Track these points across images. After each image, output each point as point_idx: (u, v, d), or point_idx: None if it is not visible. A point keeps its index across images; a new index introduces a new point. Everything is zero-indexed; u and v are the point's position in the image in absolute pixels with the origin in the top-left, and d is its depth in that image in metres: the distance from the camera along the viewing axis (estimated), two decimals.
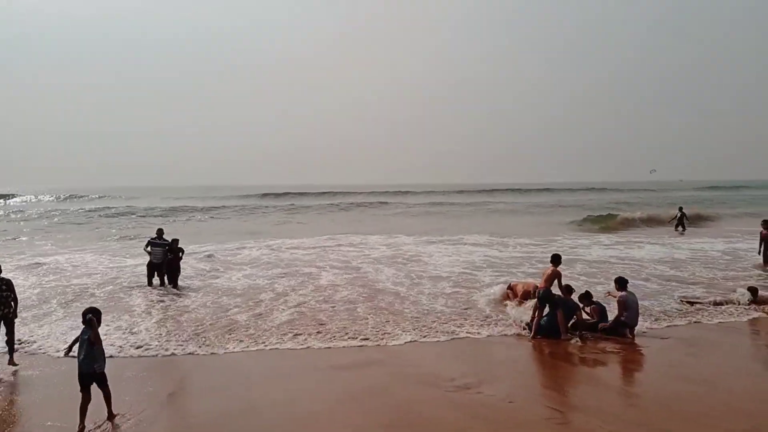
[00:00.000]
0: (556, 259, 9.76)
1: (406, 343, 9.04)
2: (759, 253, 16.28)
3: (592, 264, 16.24)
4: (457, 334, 9.44)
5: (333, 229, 29.71)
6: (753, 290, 11.22)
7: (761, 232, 16.30)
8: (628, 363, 8.11)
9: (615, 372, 7.86)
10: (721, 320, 10.17)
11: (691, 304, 11.14)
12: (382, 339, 9.22)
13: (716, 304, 11.03)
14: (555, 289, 9.54)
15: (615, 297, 9.52)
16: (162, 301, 12.16)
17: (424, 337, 9.34)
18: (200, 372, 7.86)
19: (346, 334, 9.52)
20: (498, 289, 11.83)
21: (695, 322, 10.07)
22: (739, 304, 10.94)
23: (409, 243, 22.43)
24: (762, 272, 14.98)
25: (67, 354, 6.66)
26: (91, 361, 6.03)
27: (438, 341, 9.14)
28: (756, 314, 10.46)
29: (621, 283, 9.55)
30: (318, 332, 9.59)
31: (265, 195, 72.59)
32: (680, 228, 27.35)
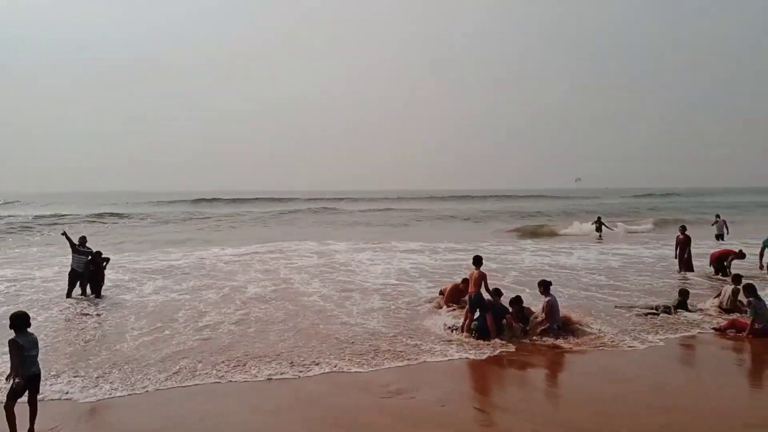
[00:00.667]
0: (478, 261, 9.91)
1: (323, 374, 7.72)
2: (675, 257, 16.84)
3: (528, 272, 16.24)
4: (381, 365, 8.08)
5: (267, 236, 29.06)
6: (683, 292, 11.37)
7: (678, 237, 16.64)
8: (557, 365, 8.23)
9: (545, 374, 7.97)
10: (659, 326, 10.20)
11: (628, 309, 11.20)
12: (299, 370, 7.83)
13: (658, 308, 11.05)
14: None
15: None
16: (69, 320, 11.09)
17: (345, 368, 7.97)
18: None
19: (258, 361, 8.14)
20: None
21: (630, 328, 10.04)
22: (675, 312, 10.96)
23: (343, 251, 22.19)
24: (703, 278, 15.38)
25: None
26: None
27: (359, 372, 7.84)
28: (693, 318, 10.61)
29: (544, 286, 9.76)
30: (223, 362, 8.13)
31: (197, 201, 70.91)
32: (599, 234, 29.13)
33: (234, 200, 72.26)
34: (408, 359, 8.26)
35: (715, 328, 9.88)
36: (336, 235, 30.31)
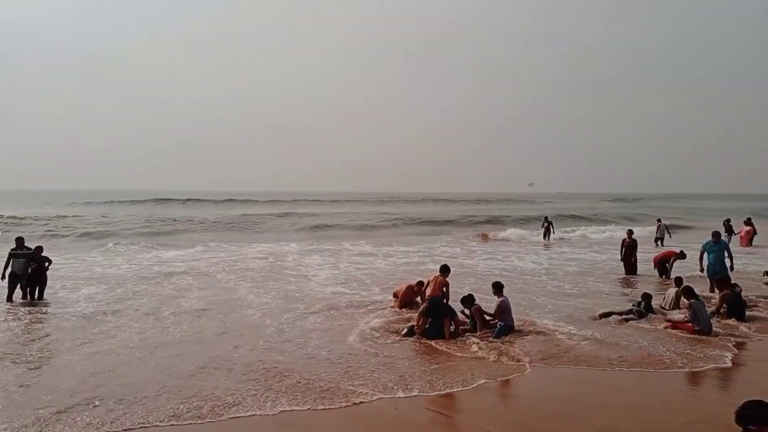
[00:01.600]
0: (445, 269, 10.49)
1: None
2: (621, 260, 17.30)
3: (486, 278, 15.80)
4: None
5: (212, 238, 28.03)
6: (646, 296, 11.51)
7: (624, 240, 17.04)
8: (509, 367, 8.17)
9: (495, 377, 7.82)
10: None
11: (606, 316, 11.04)
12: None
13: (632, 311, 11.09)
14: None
15: None
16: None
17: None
18: None
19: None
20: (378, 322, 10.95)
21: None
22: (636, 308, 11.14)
23: (293, 253, 21.65)
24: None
25: None
26: None
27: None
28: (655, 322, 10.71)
29: (497, 287, 10.15)
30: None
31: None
32: (547, 238, 29.74)
33: (188, 200, 70.03)
34: (346, 399, 6.72)
35: (669, 327, 10.13)
36: (288, 237, 29.82)
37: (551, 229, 30.08)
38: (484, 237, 31.40)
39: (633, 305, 11.31)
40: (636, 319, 10.68)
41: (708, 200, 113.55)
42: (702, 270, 13.33)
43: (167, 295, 13.35)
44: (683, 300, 11.28)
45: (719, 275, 12.49)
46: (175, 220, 39.11)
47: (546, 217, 31.50)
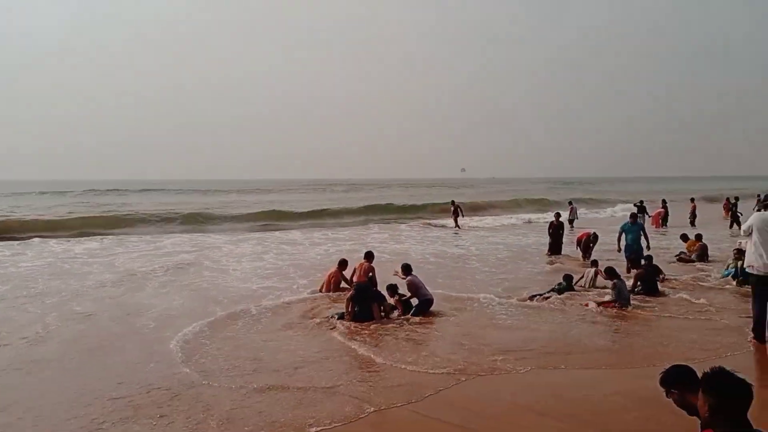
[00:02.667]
0: (369, 256, 10.86)
1: None
2: (549, 241, 17.99)
3: (422, 264, 15.90)
4: None
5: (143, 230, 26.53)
6: (568, 277, 12.00)
7: (551, 223, 17.74)
8: (430, 346, 8.35)
9: (419, 347, 7.99)
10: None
11: (532, 298, 11.40)
12: None
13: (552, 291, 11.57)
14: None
15: None
16: None
17: None
18: None
19: None
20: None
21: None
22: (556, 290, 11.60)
23: (217, 243, 20.93)
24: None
25: None
26: None
27: None
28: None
29: (406, 269, 10.49)
30: None
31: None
32: (456, 222, 29.47)
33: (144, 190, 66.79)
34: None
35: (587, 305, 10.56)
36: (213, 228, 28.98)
37: (459, 213, 29.63)
38: (426, 224, 31.31)
39: (556, 285, 11.79)
40: (558, 296, 11.21)
41: (644, 183, 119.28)
42: (619, 250, 13.95)
43: (54, 292, 12.17)
44: (599, 279, 12.04)
45: (635, 255, 13.13)
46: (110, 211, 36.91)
47: (453, 201, 31.07)
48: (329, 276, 12.15)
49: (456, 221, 29.25)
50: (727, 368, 3.09)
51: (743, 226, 8.02)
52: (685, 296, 11.11)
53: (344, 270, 12.21)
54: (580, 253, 16.60)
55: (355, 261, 12.39)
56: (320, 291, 11.96)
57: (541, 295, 11.35)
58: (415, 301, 10.25)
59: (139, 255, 18.60)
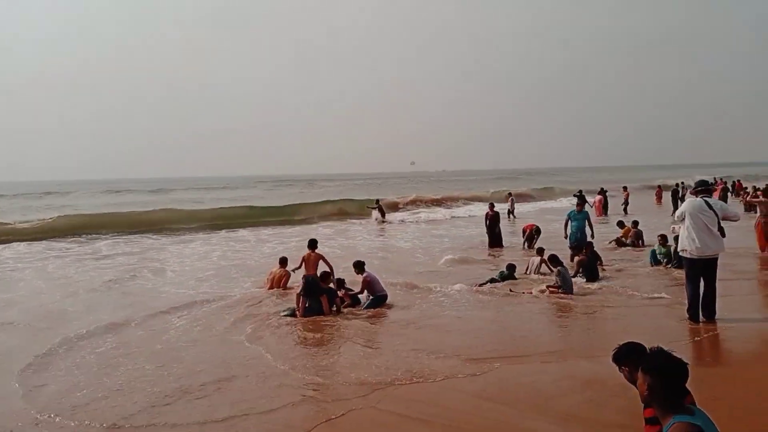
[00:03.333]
0: (313, 244, 10.65)
1: None
2: (486, 233, 18.25)
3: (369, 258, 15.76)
4: None
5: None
6: (511, 266, 12.38)
7: (487, 213, 18.17)
8: (380, 337, 8.53)
9: (367, 346, 8.08)
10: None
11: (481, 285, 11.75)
12: None
13: (490, 282, 11.87)
14: None
15: None
16: None
17: None
18: None
19: None
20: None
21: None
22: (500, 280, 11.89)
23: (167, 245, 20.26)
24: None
25: None
26: None
27: None
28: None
29: (359, 266, 10.44)
30: None
31: None
32: (380, 217, 29.17)
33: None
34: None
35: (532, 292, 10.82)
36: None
37: (382, 210, 29.32)
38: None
39: (497, 275, 12.13)
40: (500, 283, 11.62)
41: (595, 173, 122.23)
42: (566, 237, 14.37)
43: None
44: (544, 267, 12.46)
45: (577, 243, 13.55)
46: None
47: (377, 200, 30.89)
48: (273, 275, 11.97)
49: (379, 219, 28.81)
50: (665, 348, 3.21)
51: (677, 212, 8.39)
52: (621, 281, 11.56)
53: (286, 266, 12.07)
54: (525, 244, 17.03)
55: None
56: (267, 283, 11.85)
57: (482, 284, 11.61)
58: (363, 297, 10.30)
59: (74, 260, 17.83)
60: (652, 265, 13.07)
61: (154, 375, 6.90)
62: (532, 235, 17.04)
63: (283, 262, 12.29)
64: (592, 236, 14.31)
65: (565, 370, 6.51)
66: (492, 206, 18.80)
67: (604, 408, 5.30)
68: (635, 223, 17.36)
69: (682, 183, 34.72)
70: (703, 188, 8.42)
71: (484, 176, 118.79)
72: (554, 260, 11.24)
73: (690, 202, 8.21)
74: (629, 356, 3.85)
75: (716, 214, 7.88)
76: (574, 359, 7.02)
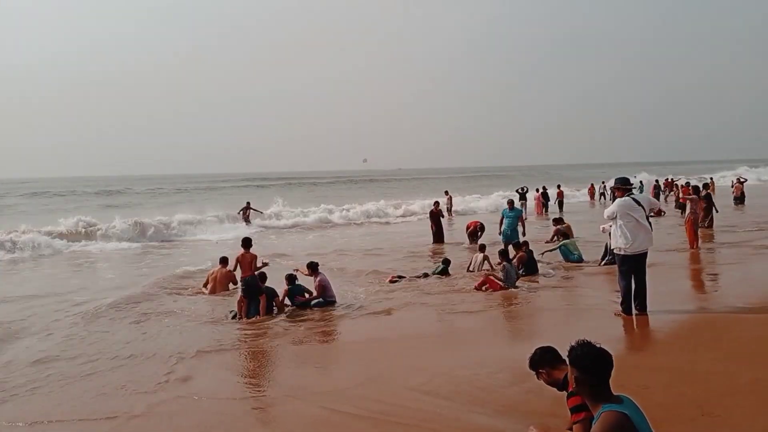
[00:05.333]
0: (247, 243, 10.04)
1: None
2: (431, 229, 18.54)
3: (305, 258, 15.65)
4: None
5: None
6: (446, 261, 12.86)
7: (431, 210, 18.52)
8: (327, 336, 8.56)
9: (315, 347, 8.08)
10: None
11: (397, 280, 12.21)
12: None
13: (423, 276, 12.47)
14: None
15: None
16: None
17: None
18: None
19: None
20: None
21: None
22: (434, 274, 12.50)
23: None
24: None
25: None
26: None
27: None
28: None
29: (312, 266, 10.29)
30: None
31: None
32: (247, 221, 27.40)
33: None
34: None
35: (476, 288, 10.97)
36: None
37: (252, 210, 27.86)
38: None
39: (430, 271, 12.65)
40: (429, 276, 12.25)
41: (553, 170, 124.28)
42: (500, 233, 14.75)
43: None
44: (486, 264, 12.80)
45: (510, 239, 13.95)
46: None
47: (248, 202, 28.62)
48: (215, 276, 11.72)
49: (246, 220, 27.25)
50: (591, 341, 3.35)
51: (607, 211, 8.55)
52: (558, 278, 11.93)
53: (226, 267, 11.73)
54: (467, 240, 17.40)
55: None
56: (210, 294, 11.52)
57: (415, 277, 12.19)
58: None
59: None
60: (600, 263, 13.19)
61: None
62: (475, 231, 17.38)
63: (224, 261, 11.96)
64: (524, 233, 14.72)
65: (503, 363, 6.64)
66: (437, 204, 19.16)
67: (540, 398, 5.44)
68: (558, 220, 18.01)
69: (604, 183, 36.46)
70: (625, 186, 8.54)
71: (446, 175, 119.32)
72: (503, 255, 11.60)
73: (619, 201, 8.40)
74: (544, 360, 4.04)
75: (644, 209, 8.22)
76: (511, 352, 7.19)
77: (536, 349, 4.13)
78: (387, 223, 28.75)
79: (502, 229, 14.57)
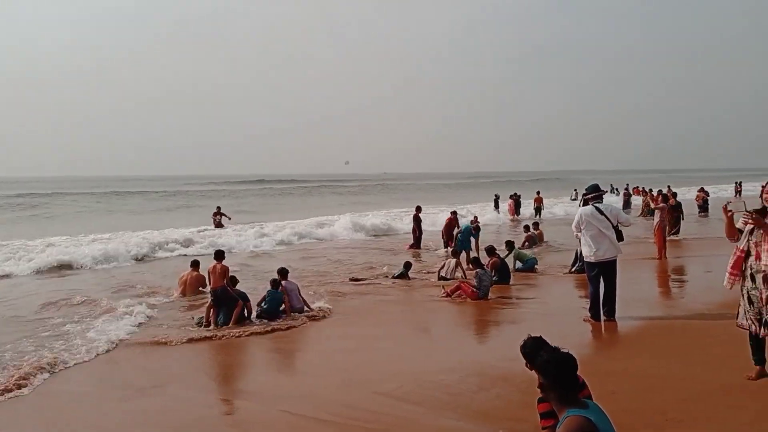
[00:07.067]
0: (219, 255, 10.03)
1: None
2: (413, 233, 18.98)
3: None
4: None
5: None
6: (407, 265, 13.19)
7: (415, 215, 19.12)
8: (296, 343, 8.50)
9: (284, 354, 8.16)
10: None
11: (358, 280, 12.75)
12: None
13: (386, 277, 12.93)
14: None
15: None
16: None
17: None
18: None
19: None
20: None
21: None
22: (393, 277, 12.95)
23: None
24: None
25: None
26: None
27: None
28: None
29: (282, 272, 10.33)
30: None
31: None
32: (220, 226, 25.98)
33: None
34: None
35: (447, 294, 10.97)
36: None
37: (223, 216, 26.26)
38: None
39: (395, 272, 13.06)
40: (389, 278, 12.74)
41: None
42: (457, 245, 15.18)
43: None
44: (459, 271, 12.90)
45: (464, 248, 14.55)
46: None
47: (218, 207, 27.28)
48: (185, 279, 11.65)
49: (218, 225, 25.77)
50: (559, 347, 3.37)
51: (573, 223, 8.70)
52: (529, 284, 12.10)
53: (198, 270, 11.74)
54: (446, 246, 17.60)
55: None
56: (182, 296, 11.46)
57: (377, 279, 12.58)
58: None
59: None
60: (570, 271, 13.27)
61: None
62: (450, 233, 17.53)
63: (195, 264, 11.93)
64: (477, 248, 15.18)
65: (473, 368, 6.67)
66: (419, 209, 19.36)
67: (510, 403, 5.47)
68: (526, 228, 18.36)
69: (576, 190, 37.11)
70: (595, 194, 8.63)
71: (432, 180, 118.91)
72: (476, 262, 11.55)
73: (580, 211, 8.57)
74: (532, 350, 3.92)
75: (609, 219, 8.30)
76: (482, 357, 7.24)
77: (529, 339, 3.94)
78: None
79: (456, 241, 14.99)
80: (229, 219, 26.43)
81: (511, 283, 12.05)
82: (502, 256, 13.04)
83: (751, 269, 5.22)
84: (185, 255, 16.87)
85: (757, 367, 5.56)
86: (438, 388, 6.03)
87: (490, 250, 12.77)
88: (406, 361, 7.23)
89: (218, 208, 27.08)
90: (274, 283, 9.90)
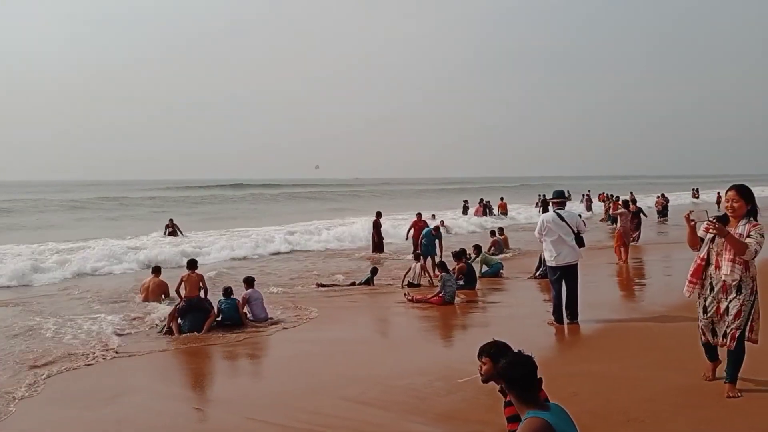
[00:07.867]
0: (192, 264, 10.10)
1: None
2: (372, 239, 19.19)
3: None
4: None
5: None
6: (374, 270, 13.41)
7: (374, 221, 19.16)
8: (263, 350, 8.46)
9: (251, 360, 8.14)
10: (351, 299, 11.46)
11: (325, 286, 12.86)
12: None
13: (351, 284, 13.01)
14: None
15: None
16: None
17: None
18: None
19: None
20: None
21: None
22: (359, 283, 13.04)
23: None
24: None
25: None
26: None
27: None
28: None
29: (248, 281, 10.19)
30: None
31: None
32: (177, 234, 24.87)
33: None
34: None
35: (411, 299, 10.98)
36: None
37: (177, 231, 24.68)
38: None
39: (363, 278, 13.16)
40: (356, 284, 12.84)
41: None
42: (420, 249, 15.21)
43: None
44: (426, 276, 13.01)
45: (430, 253, 14.58)
46: None
47: (171, 219, 25.82)
48: (146, 287, 11.40)
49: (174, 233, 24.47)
50: (519, 350, 3.40)
51: (536, 229, 8.91)
52: (493, 290, 12.23)
53: (160, 276, 11.57)
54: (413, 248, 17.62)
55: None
56: (145, 302, 11.18)
57: (344, 284, 12.74)
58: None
59: None
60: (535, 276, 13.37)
61: None
62: (420, 238, 17.59)
63: (156, 271, 11.77)
64: (440, 255, 15.16)
65: (439, 372, 6.68)
66: (379, 214, 19.29)
67: (476, 407, 5.49)
68: (492, 233, 18.61)
69: (543, 195, 37.53)
70: (559, 200, 8.94)
71: (404, 185, 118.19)
72: (442, 266, 11.56)
73: (543, 217, 8.90)
74: (488, 350, 3.89)
75: (569, 225, 8.53)
76: (449, 361, 7.27)
77: (492, 341, 3.95)
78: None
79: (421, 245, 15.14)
80: (182, 234, 24.23)
81: (477, 287, 12.13)
82: (487, 261, 13.26)
83: (710, 278, 5.29)
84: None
85: (711, 363, 5.67)
86: (404, 392, 6.02)
87: (459, 254, 12.81)
88: (372, 365, 7.22)
89: (170, 220, 25.24)
90: (226, 292, 9.64)
